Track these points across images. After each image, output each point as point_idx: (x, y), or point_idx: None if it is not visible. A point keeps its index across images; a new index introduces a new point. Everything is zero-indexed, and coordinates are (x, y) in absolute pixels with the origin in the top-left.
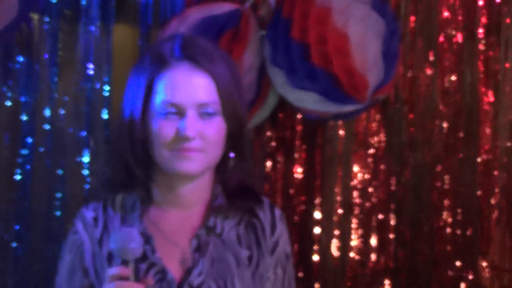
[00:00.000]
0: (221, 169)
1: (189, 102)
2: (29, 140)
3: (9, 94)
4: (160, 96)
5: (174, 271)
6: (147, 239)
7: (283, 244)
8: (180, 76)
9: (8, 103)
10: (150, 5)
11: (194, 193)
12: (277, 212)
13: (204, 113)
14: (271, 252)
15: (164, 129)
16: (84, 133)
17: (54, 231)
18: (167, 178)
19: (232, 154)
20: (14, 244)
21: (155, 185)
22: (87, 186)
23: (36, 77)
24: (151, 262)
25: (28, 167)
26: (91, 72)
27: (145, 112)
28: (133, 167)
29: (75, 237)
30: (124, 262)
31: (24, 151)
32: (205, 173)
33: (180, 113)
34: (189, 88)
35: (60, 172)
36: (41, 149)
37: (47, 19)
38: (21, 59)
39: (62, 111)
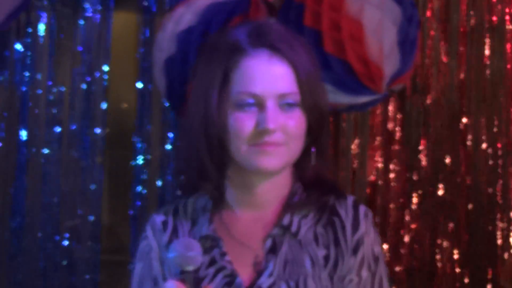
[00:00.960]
0: (301, 165)
1: (269, 92)
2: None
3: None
4: (237, 86)
5: (245, 275)
6: (215, 241)
7: (370, 244)
8: (259, 65)
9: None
10: None
11: (272, 192)
12: (362, 209)
13: (284, 104)
14: (353, 252)
15: (243, 122)
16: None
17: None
18: (243, 177)
19: (313, 149)
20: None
21: (229, 184)
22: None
23: (33, 65)
24: (220, 266)
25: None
26: (90, 60)
27: (221, 105)
28: (208, 165)
29: (144, 243)
30: (183, 273)
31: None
32: (285, 170)
33: (259, 104)
34: (269, 78)
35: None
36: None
37: (45, 2)
38: (18, 46)
39: (59, 99)
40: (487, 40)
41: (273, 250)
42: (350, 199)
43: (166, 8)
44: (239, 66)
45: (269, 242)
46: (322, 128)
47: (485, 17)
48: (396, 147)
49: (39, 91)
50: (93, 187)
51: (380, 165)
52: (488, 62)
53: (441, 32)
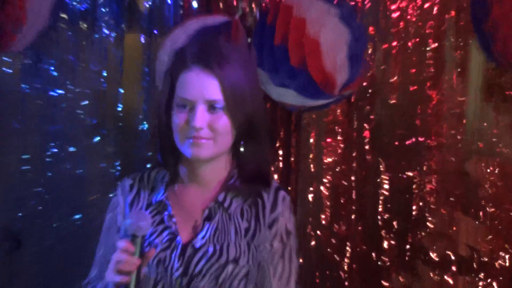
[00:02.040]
0: (239, 156)
1: (198, 98)
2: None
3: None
4: (178, 92)
5: (185, 235)
6: (166, 206)
7: (284, 222)
8: (193, 77)
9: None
10: (155, 15)
11: (211, 174)
12: (281, 194)
13: (211, 108)
14: (269, 227)
15: (179, 119)
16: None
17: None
18: (188, 161)
19: (242, 142)
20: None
21: (181, 165)
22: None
23: (62, 75)
24: (166, 225)
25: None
26: (105, 74)
27: (168, 106)
28: (162, 150)
29: (114, 199)
30: (133, 237)
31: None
32: (220, 157)
33: (191, 107)
34: (198, 87)
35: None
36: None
37: (69, 27)
38: (49, 60)
39: (82, 103)
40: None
41: (209, 218)
42: (274, 186)
43: (165, 31)
44: (179, 77)
45: (206, 212)
46: (251, 126)
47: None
48: (345, 139)
49: (70, 95)
50: None
51: (332, 154)
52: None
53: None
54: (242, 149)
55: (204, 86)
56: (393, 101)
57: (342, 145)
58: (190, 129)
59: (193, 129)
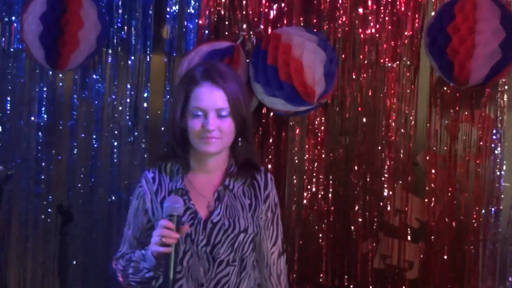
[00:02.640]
0: (234, 149)
1: (210, 107)
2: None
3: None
4: (192, 103)
5: (202, 213)
6: (185, 192)
7: (272, 196)
8: (204, 91)
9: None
10: (175, 42)
11: (216, 164)
12: (269, 176)
13: (220, 115)
14: (264, 202)
15: (195, 124)
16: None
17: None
18: (198, 154)
19: (239, 139)
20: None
21: (191, 158)
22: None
23: (104, 88)
24: (187, 207)
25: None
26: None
27: (183, 113)
28: (175, 147)
29: (140, 189)
30: (171, 216)
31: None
32: (223, 151)
33: (205, 114)
34: (210, 98)
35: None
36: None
37: (110, 51)
38: (94, 76)
39: (120, 110)
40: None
41: (219, 199)
42: (263, 170)
43: (183, 53)
44: (193, 91)
45: (216, 194)
46: (245, 127)
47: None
48: (322, 137)
49: (110, 103)
50: None
51: (312, 149)
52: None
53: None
54: (239, 144)
55: (214, 97)
56: (359, 108)
57: (319, 141)
58: (204, 131)
59: (207, 131)
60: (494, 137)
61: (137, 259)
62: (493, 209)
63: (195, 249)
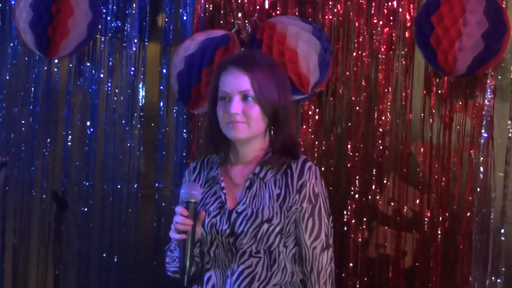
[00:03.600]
0: (271, 137)
1: (234, 90)
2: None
3: (81, 85)
4: (220, 88)
5: (231, 202)
6: (218, 180)
7: (310, 186)
8: (229, 75)
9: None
10: (170, 30)
11: (250, 152)
12: (307, 164)
13: (245, 98)
14: (298, 192)
15: (220, 110)
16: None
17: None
18: (233, 144)
19: (272, 126)
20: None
21: (231, 149)
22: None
23: (99, 75)
24: (218, 196)
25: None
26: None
27: (215, 101)
28: (214, 138)
29: (183, 179)
30: (187, 203)
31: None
32: (256, 139)
33: (229, 98)
34: (234, 82)
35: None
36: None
37: (102, 39)
38: (89, 64)
39: (115, 98)
40: None
41: (249, 187)
42: (302, 159)
43: (178, 41)
44: (221, 77)
45: (247, 183)
46: (276, 114)
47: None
48: (315, 126)
49: (105, 90)
50: None
51: (306, 137)
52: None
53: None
54: (272, 133)
55: (238, 81)
56: (353, 98)
57: (313, 130)
58: (228, 116)
59: (231, 115)
60: (487, 127)
61: (172, 248)
62: (485, 199)
63: (220, 239)
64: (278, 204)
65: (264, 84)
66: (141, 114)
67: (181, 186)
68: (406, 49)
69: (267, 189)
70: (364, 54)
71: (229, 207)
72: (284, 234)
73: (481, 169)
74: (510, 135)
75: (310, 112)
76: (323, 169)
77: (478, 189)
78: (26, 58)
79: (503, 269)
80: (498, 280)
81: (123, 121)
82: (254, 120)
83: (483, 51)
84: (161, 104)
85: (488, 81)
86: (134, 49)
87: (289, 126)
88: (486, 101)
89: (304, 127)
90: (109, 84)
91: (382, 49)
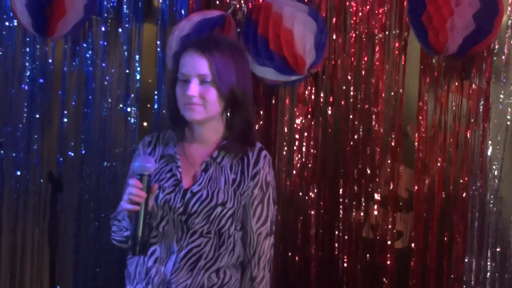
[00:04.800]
0: (228, 122)
1: (192, 73)
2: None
3: (76, 66)
4: (179, 69)
5: (186, 182)
6: (174, 159)
7: (263, 174)
8: (189, 57)
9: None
10: (166, 10)
11: (206, 134)
12: (263, 153)
13: (202, 81)
14: (252, 179)
15: (179, 90)
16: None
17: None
18: (190, 123)
19: (229, 110)
20: None
21: (186, 128)
22: None
23: (95, 56)
24: (173, 173)
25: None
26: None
27: (175, 81)
28: (172, 116)
29: (136, 152)
30: (141, 175)
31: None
32: (213, 121)
33: (187, 80)
34: (192, 65)
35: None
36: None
37: (97, 19)
38: (84, 45)
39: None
40: None
41: (205, 170)
42: (258, 146)
43: (174, 22)
44: (181, 58)
45: (203, 165)
46: (234, 97)
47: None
48: (312, 107)
49: (100, 71)
50: None
51: (302, 118)
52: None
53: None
54: (229, 115)
55: (196, 64)
56: (349, 79)
57: (309, 111)
58: (186, 97)
59: (188, 97)
60: (483, 108)
61: (120, 218)
62: (481, 180)
63: (172, 216)
64: (233, 189)
65: (223, 69)
66: (137, 95)
67: (135, 158)
68: (401, 30)
69: (223, 173)
70: (360, 34)
71: (184, 186)
72: (235, 218)
73: (477, 150)
74: (506, 116)
75: (306, 93)
76: (319, 150)
77: (474, 170)
78: (22, 39)
79: (499, 249)
80: (493, 263)
81: (119, 102)
82: (210, 103)
83: (474, 32)
84: (157, 84)
85: (484, 62)
86: (130, 29)
87: (246, 110)
88: (481, 82)
89: (299, 108)
90: (105, 65)
91: (378, 30)
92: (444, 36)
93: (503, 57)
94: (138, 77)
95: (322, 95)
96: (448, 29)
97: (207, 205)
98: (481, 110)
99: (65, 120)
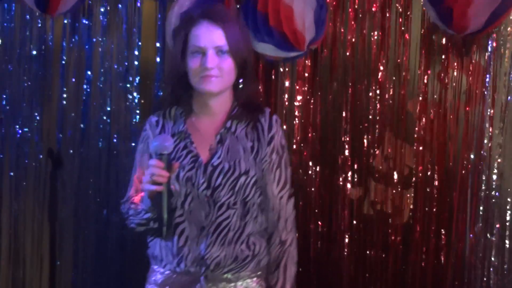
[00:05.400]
0: (236, 91)
1: (209, 45)
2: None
3: (76, 42)
4: (191, 42)
5: (203, 156)
6: (187, 135)
7: (278, 138)
8: (203, 29)
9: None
10: None
11: (218, 106)
12: (274, 117)
13: (219, 52)
14: (268, 144)
15: (194, 63)
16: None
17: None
18: (201, 96)
19: (241, 80)
20: None
21: (194, 101)
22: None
23: (95, 33)
24: (189, 150)
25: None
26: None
27: (184, 55)
28: (178, 91)
29: (144, 133)
30: (161, 155)
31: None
32: (225, 92)
33: (203, 52)
34: (209, 36)
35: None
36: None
37: None
38: (84, 21)
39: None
40: None
41: (221, 142)
42: (267, 111)
43: None
44: (192, 30)
45: (218, 137)
46: (246, 67)
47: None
48: (311, 83)
49: (100, 47)
50: None
51: (302, 93)
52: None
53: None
54: (240, 86)
55: (212, 35)
56: (349, 55)
57: (309, 88)
58: (203, 70)
59: (206, 69)
60: (483, 84)
61: (137, 202)
62: (481, 156)
63: (196, 192)
64: (252, 157)
65: (237, 38)
66: (137, 71)
67: (142, 140)
68: (403, 6)
69: (239, 142)
70: (360, 10)
71: (203, 161)
72: (258, 185)
73: (477, 126)
74: (506, 91)
75: (306, 69)
76: (318, 127)
77: (474, 146)
78: (22, 15)
79: (497, 225)
80: (492, 238)
81: (119, 79)
82: (227, 73)
83: (499, 6)
84: (157, 60)
85: (484, 38)
86: (130, 6)
87: (254, 78)
88: (482, 58)
89: (299, 84)
90: (104, 41)
91: (379, 6)
92: (469, 14)
93: (503, 33)
94: (138, 53)
95: (320, 72)
96: (473, 7)
97: (231, 176)
98: (481, 86)
99: (65, 96)
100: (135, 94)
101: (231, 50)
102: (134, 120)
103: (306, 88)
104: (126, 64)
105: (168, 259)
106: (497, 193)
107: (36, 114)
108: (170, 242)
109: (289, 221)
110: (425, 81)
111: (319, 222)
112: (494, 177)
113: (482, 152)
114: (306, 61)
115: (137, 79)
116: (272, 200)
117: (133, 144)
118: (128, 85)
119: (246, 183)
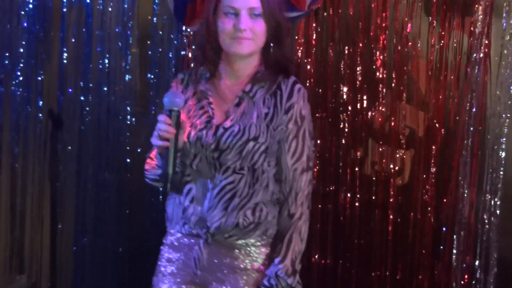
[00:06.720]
0: (265, 54)
1: (243, 6)
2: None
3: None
4: (225, 2)
5: (218, 118)
6: (206, 95)
7: (298, 108)
8: None
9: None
10: None
11: (244, 69)
12: (297, 86)
13: (252, 14)
14: (285, 112)
15: (227, 24)
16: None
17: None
18: (228, 58)
19: (272, 44)
20: None
21: (221, 63)
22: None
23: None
24: (205, 110)
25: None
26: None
27: (216, 14)
28: (207, 50)
29: (172, 88)
30: (170, 111)
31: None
32: (254, 56)
33: (236, 14)
34: None
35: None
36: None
37: None
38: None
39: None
40: None
41: (238, 105)
42: (292, 79)
43: None
44: None
45: (236, 100)
46: (278, 31)
47: None
48: (313, 43)
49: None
50: None
51: (304, 50)
52: None
53: None
54: (271, 50)
55: None
56: (351, 14)
57: (310, 48)
58: (235, 31)
59: (239, 31)
60: (483, 44)
61: (152, 156)
62: (481, 116)
63: (204, 153)
64: (265, 123)
65: (271, 1)
66: (136, 31)
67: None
68: None
69: (255, 107)
70: None
71: (216, 122)
72: (268, 153)
73: (478, 87)
74: (505, 52)
75: (307, 30)
76: (321, 87)
77: (474, 107)
78: None
79: (499, 185)
80: (493, 200)
81: (118, 39)
82: (259, 36)
83: None
84: (155, 20)
85: None
86: None
87: (286, 42)
88: (483, 18)
89: (300, 45)
90: (105, 25)
91: None
92: None
93: None
94: (136, 12)
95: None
96: None
97: (239, 139)
98: (482, 46)
99: (65, 56)
100: (133, 54)
101: (265, 13)
102: (133, 80)
103: (307, 49)
104: (124, 24)
105: (177, 219)
106: (501, 154)
107: (36, 73)
108: (179, 202)
109: (301, 195)
110: (426, 41)
111: (320, 183)
112: (494, 136)
113: (482, 111)
114: (308, 21)
115: (136, 39)
116: (285, 171)
117: (130, 103)
118: (127, 46)
119: (255, 149)
